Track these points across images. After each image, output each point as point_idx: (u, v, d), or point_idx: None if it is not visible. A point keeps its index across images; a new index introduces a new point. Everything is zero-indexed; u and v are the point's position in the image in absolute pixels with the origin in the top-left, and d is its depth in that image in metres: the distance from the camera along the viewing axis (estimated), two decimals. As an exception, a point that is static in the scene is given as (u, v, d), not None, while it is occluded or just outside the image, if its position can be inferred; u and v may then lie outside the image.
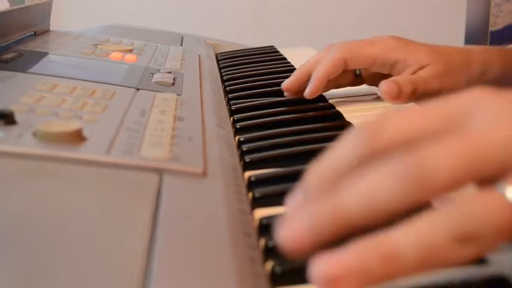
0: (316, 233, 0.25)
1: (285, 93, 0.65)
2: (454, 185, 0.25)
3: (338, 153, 0.28)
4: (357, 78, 0.67)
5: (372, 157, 0.26)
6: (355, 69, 0.65)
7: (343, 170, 0.27)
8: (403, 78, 0.60)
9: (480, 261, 0.31)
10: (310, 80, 0.62)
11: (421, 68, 0.61)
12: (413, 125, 0.27)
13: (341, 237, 0.25)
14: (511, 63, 0.64)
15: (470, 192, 0.25)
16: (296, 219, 0.26)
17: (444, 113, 0.27)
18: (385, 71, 0.63)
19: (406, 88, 0.59)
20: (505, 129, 0.25)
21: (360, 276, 0.24)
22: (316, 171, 0.28)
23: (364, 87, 0.69)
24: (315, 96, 0.61)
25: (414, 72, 0.61)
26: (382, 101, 0.65)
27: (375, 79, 0.67)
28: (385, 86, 0.59)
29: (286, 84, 0.65)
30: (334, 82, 0.64)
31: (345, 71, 0.63)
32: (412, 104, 0.60)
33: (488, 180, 0.25)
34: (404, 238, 0.24)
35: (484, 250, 0.25)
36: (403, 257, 0.24)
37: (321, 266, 0.24)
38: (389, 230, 0.25)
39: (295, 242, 0.25)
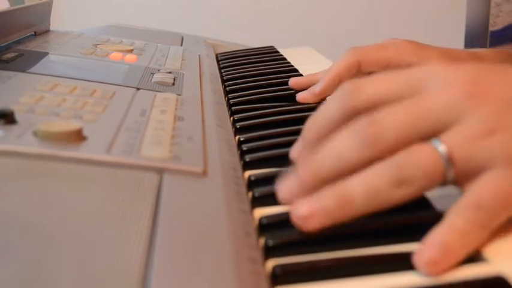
0: (303, 187, 0.34)
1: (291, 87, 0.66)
2: (401, 143, 0.32)
3: (325, 111, 0.36)
4: None
5: (352, 114, 0.34)
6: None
7: (329, 125, 0.35)
8: None
9: (479, 260, 0.31)
10: (321, 79, 0.62)
11: None
12: (383, 89, 0.34)
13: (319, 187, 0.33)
14: None
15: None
16: (288, 179, 0.35)
17: (408, 80, 0.34)
18: None
19: None
20: (447, 94, 0.32)
21: (322, 215, 0.32)
22: (311, 125, 0.37)
23: None
24: (324, 96, 0.62)
25: None
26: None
27: None
28: None
29: (294, 79, 0.66)
30: None
31: (357, 74, 0.63)
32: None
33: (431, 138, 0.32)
34: (355, 184, 0.32)
35: (417, 193, 0.32)
36: (354, 199, 0.31)
37: (296, 209, 0.32)
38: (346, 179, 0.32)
39: (286, 192, 0.34)
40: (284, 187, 0.35)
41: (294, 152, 0.39)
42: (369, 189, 0.31)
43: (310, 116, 0.37)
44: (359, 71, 0.62)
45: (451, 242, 0.30)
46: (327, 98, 0.37)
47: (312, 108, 0.61)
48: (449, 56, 0.62)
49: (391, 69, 0.62)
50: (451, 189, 0.38)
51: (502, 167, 0.31)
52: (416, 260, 0.30)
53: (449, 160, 0.31)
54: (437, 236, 0.30)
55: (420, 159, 0.31)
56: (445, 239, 0.30)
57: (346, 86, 0.35)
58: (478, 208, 0.31)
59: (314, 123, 0.36)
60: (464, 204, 0.31)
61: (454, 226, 0.31)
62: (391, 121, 0.32)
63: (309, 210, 0.32)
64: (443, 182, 0.32)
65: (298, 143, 0.39)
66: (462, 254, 0.30)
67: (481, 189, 0.31)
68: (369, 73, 0.65)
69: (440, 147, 0.31)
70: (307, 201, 0.33)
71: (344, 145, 0.33)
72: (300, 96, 0.64)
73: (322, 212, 0.32)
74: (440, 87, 0.33)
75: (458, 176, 0.32)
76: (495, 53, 0.65)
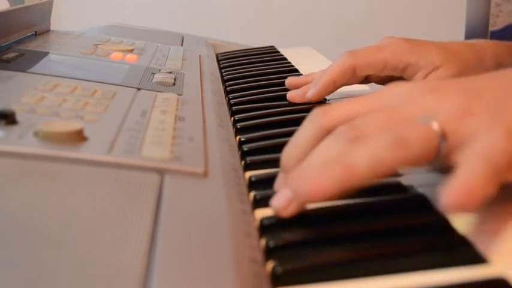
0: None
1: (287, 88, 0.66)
2: None
3: (300, 136, 0.38)
4: (364, 80, 0.66)
5: (324, 132, 0.36)
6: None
7: (306, 147, 0.37)
8: None
9: (481, 261, 0.31)
10: (314, 83, 0.61)
11: (434, 69, 0.60)
12: (351, 110, 0.37)
13: None
14: None
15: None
16: (280, 193, 0.36)
17: (372, 100, 0.37)
18: (397, 74, 0.62)
19: None
20: (415, 103, 0.35)
21: (330, 185, 0.33)
22: (288, 152, 0.38)
23: (364, 87, 0.69)
24: (317, 100, 0.62)
25: (427, 75, 0.60)
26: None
27: (385, 81, 0.67)
28: None
29: (291, 79, 0.66)
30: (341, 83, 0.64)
31: (352, 78, 0.62)
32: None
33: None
34: (359, 152, 0.33)
35: (415, 159, 0.33)
36: (359, 165, 0.33)
37: (303, 187, 0.33)
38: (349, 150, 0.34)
39: (284, 202, 0.35)
40: (279, 200, 0.35)
41: (279, 185, 0.39)
42: (371, 153, 0.33)
43: (285, 149, 0.38)
44: (354, 75, 0.61)
45: (474, 182, 0.30)
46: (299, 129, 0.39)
47: (312, 108, 0.61)
48: (447, 50, 0.61)
49: (388, 70, 0.62)
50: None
51: (492, 133, 0.32)
52: (444, 199, 0.30)
53: (443, 134, 0.33)
54: (463, 176, 0.31)
55: (417, 129, 0.33)
56: (468, 180, 0.31)
57: (314, 112, 0.38)
58: (486, 159, 0.31)
59: (290, 154, 0.38)
60: (473, 155, 0.32)
61: (474, 170, 0.31)
62: (370, 122, 0.35)
63: (315, 185, 0.33)
64: (437, 156, 0.33)
65: (280, 176, 0.39)
66: (483, 192, 0.31)
67: (485, 145, 0.32)
68: (366, 76, 0.65)
69: (432, 123, 0.33)
70: (314, 174, 0.33)
71: (330, 148, 0.35)
72: (289, 95, 0.63)
73: (331, 183, 0.32)
74: (406, 100, 0.36)
75: (450, 149, 0.33)
76: (495, 44, 0.64)
